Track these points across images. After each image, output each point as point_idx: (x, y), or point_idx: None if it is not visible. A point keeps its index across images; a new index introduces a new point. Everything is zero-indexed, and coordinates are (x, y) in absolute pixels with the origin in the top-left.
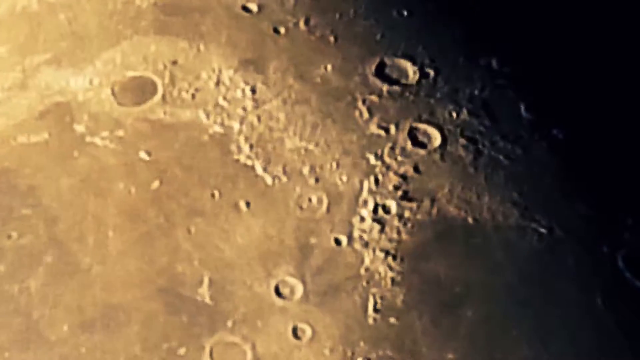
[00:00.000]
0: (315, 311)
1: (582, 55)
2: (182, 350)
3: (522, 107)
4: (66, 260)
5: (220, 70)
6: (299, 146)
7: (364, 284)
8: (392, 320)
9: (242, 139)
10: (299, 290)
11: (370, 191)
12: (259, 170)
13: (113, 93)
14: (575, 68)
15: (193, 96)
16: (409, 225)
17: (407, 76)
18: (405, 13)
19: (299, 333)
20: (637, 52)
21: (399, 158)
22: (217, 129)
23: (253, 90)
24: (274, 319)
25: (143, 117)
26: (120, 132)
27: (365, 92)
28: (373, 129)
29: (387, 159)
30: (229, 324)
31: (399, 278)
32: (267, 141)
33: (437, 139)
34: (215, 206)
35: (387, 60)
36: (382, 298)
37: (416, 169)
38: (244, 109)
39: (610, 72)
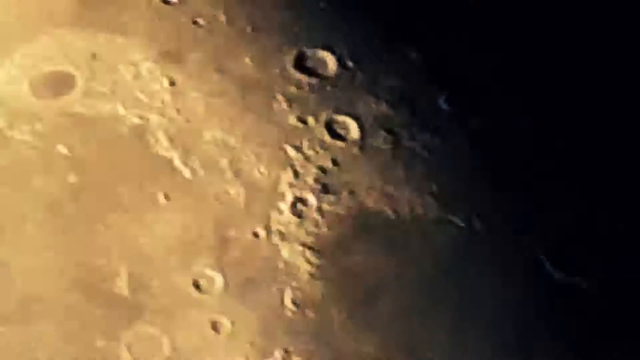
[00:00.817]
0: (233, 304)
1: (500, 46)
2: (100, 342)
3: (441, 99)
4: None
5: (139, 63)
6: (217, 139)
7: (283, 277)
8: (310, 313)
9: (160, 131)
10: (218, 283)
11: (288, 184)
12: (177, 163)
13: (32, 87)
14: (493, 59)
15: (112, 89)
16: (328, 218)
17: (326, 68)
18: (324, 5)
19: (218, 326)
20: (554, 42)
21: (318, 150)
22: (136, 121)
23: (172, 83)
24: (192, 311)
25: (62, 111)
26: (39, 126)
27: (284, 84)
28: (292, 121)
29: (306, 152)
30: (147, 316)
31: (317, 271)
32: (186, 134)
33: (355, 131)
34: (134, 199)
35: (307, 52)
36: (300, 291)
37: (335, 161)
38: (163, 101)
39: (527, 61)
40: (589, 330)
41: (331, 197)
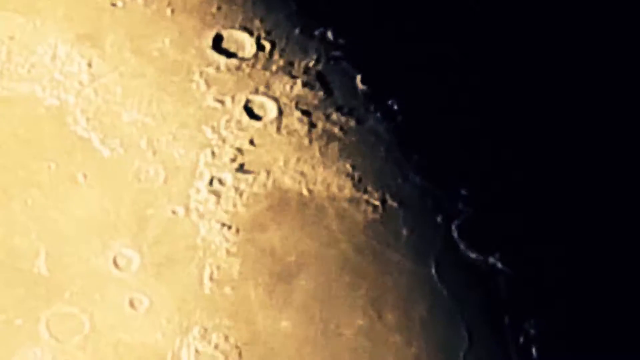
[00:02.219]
0: (151, 282)
1: (417, 26)
2: (18, 322)
3: (357, 79)
4: None
5: (56, 45)
6: (136, 119)
7: (200, 254)
8: (228, 290)
9: (78, 112)
10: (136, 261)
11: (206, 163)
12: (96, 143)
13: None
14: (410, 38)
15: (29, 71)
16: (245, 197)
17: (243, 49)
18: None
19: (136, 303)
20: (471, 20)
21: (235, 131)
22: (54, 102)
23: (89, 64)
24: (110, 290)
25: None
26: None
27: (202, 65)
28: (209, 102)
29: (223, 132)
30: (66, 295)
31: (234, 249)
32: (104, 114)
33: (272, 111)
34: (52, 178)
35: (224, 33)
36: (218, 268)
37: (251, 141)
38: (80, 82)
39: (444, 41)
40: (504, 309)
41: (248, 177)
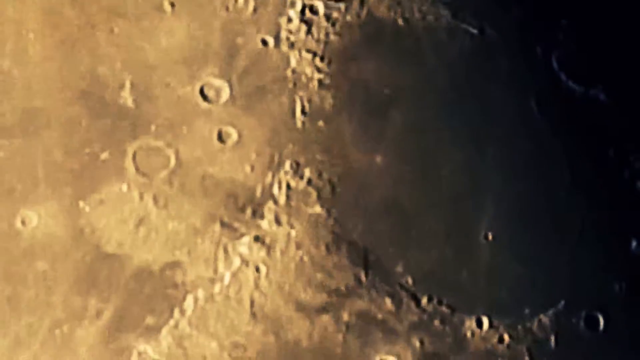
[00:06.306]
0: (241, 114)
1: None
2: (104, 155)
3: None
4: None
5: None
6: None
7: (291, 86)
8: (321, 123)
9: None
10: (225, 92)
11: None
12: None
13: None
14: None
15: None
16: (337, 26)
17: None
18: None
19: (224, 136)
20: None
21: None
22: None
23: None
24: (198, 122)
25: None
26: None
27: None
28: None
29: None
30: (152, 128)
31: (326, 80)
32: None
33: None
34: (139, 6)
35: None
36: (309, 101)
37: None
38: None
39: None
40: (608, 143)
41: (341, 5)
